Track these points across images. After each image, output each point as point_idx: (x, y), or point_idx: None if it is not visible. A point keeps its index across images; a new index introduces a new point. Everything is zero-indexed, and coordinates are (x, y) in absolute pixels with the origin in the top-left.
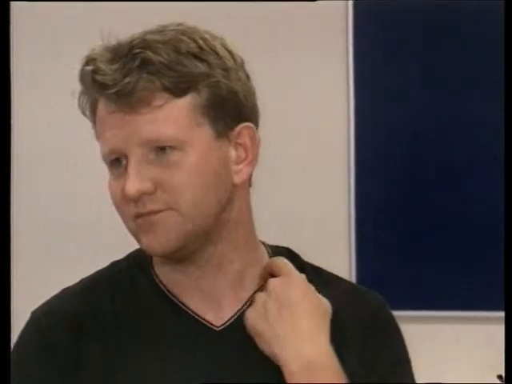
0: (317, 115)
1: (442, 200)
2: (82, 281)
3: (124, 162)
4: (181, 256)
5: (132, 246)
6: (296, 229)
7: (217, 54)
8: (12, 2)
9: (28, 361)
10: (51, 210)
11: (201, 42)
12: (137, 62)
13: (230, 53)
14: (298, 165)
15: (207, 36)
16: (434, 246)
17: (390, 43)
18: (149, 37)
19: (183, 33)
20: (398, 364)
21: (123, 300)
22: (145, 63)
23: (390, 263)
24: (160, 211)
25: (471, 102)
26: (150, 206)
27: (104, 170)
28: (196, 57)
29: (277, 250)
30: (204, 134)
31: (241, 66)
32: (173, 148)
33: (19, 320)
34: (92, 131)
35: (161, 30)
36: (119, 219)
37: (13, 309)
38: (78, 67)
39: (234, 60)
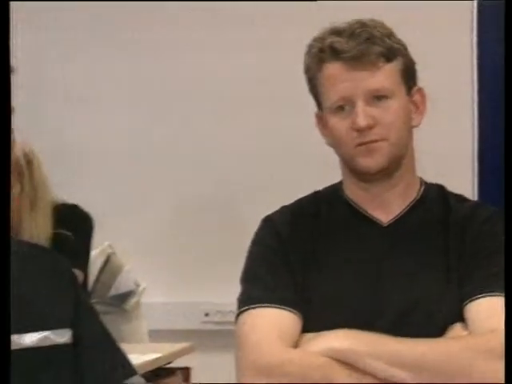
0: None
1: None
2: (297, 200)
3: (347, 107)
4: (379, 176)
5: None
6: None
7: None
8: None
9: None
10: None
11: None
12: (364, 36)
13: None
14: None
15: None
16: None
17: None
18: (366, 22)
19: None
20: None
21: (322, 214)
22: (369, 37)
23: None
24: (377, 141)
25: None
26: (371, 137)
27: None
28: (391, 36)
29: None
30: (401, 89)
31: None
32: (386, 97)
33: None
34: None
35: (359, 21)
36: None
37: None
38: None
39: None
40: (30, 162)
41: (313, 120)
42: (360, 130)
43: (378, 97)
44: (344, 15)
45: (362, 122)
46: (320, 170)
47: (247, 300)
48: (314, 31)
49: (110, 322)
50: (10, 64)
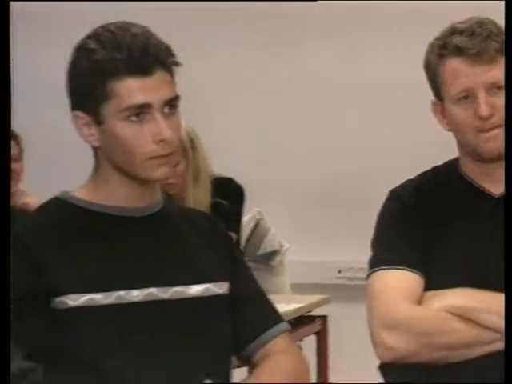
0: None
1: None
2: (419, 174)
3: (469, 98)
4: (495, 158)
5: None
6: None
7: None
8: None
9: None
10: None
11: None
12: (484, 34)
13: None
14: None
15: None
16: None
17: None
18: (483, 20)
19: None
20: None
21: (441, 186)
22: (488, 34)
23: None
24: (495, 128)
25: None
26: (491, 125)
27: None
28: (501, 33)
29: None
30: None
31: None
32: (501, 88)
33: None
34: None
35: (477, 20)
36: None
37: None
38: None
39: None
40: (192, 141)
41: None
42: (483, 118)
43: (495, 88)
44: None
45: (484, 111)
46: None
47: (377, 262)
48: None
49: (258, 276)
50: (10, 64)
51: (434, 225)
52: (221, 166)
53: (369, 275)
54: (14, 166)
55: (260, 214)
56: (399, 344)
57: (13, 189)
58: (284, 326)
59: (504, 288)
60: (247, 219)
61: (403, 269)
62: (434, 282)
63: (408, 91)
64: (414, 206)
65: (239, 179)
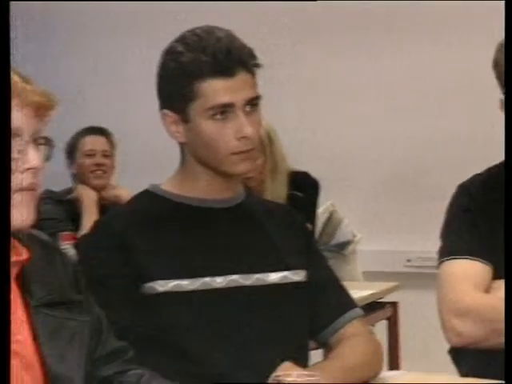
0: None
1: None
2: (486, 169)
3: None
4: None
5: None
6: None
7: None
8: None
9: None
10: None
11: None
12: None
13: None
14: None
15: None
16: None
17: None
18: None
19: None
20: None
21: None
22: None
23: None
24: None
25: None
26: None
27: None
28: None
29: None
30: None
31: None
32: None
33: None
34: None
35: None
36: None
37: None
38: None
39: None
40: (270, 138)
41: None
42: None
43: None
44: None
45: None
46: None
47: (446, 252)
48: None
49: (332, 265)
50: (10, 63)
51: (501, 217)
52: (296, 160)
53: (439, 264)
54: (106, 161)
55: (333, 205)
56: (468, 330)
57: (105, 182)
58: (358, 311)
59: None
60: (321, 211)
61: (471, 259)
62: (501, 271)
63: (479, 88)
64: (481, 199)
65: (314, 173)
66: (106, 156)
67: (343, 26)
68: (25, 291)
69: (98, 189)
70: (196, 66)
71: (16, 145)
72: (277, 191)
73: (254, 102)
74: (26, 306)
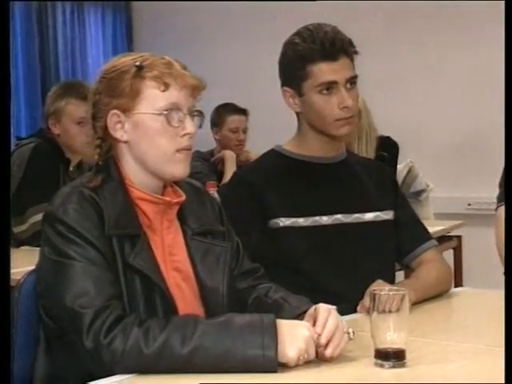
0: None
1: None
2: None
3: None
4: None
5: None
6: None
7: None
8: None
9: None
10: None
11: None
12: None
13: None
14: None
15: None
16: None
17: None
18: None
19: None
20: None
21: None
22: None
23: None
24: None
25: None
26: None
27: None
28: None
29: None
30: None
31: None
32: None
33: None
34: None
35: None
36: None
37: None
38: None
39: None
40: (359, 110)
41: None
42: None
43: None
44: None
45: None
46: None
47: (503, 198)
48: None
49: None
50: (9, 62)
51: None
52: (382, 127)
53: (497, 208)
54: (244, 136)
55: (411, 162)
56: None
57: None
58: (433, 242)
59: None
60: (402, 167)
61: None
62: None
63: None
64: None
65: (395, 137)
66: (244, 132)
67: (402, 24)
68: (183, 223)
69: (236, 153)
70: (308, 53)
71: (177, 116)
72: (362, 152)
73: (352, 81)
74: (184, 234)
